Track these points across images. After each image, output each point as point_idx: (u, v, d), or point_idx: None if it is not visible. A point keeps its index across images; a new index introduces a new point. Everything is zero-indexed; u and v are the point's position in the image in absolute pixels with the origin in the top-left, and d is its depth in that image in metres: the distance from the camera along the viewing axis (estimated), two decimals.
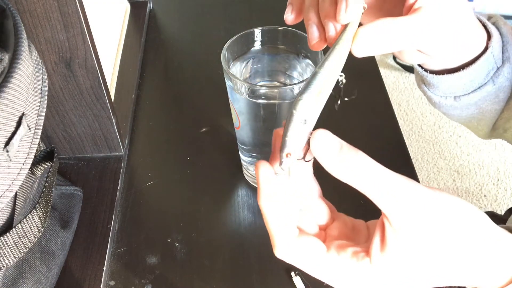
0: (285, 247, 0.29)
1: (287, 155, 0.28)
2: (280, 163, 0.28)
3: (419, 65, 0.44)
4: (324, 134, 0.26)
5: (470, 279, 0.29)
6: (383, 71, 1.86)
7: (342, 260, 0.29)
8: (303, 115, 0.28)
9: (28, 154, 0.35)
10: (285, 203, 0.28)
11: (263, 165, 0.28)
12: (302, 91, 0.28)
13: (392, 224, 0.26)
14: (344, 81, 0.31)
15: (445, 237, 0.27)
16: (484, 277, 0.29)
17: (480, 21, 0.41)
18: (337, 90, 0.31)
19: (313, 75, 0.29)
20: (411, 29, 0.31)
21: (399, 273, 0.28)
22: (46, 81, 0.39)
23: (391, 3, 0.38)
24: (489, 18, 0.44)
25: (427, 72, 0.43)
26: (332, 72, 0.29)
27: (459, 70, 0.41)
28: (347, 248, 0.29)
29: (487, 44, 0.41)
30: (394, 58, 1.88)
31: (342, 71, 0.31)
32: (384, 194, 0.26)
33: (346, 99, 0.34)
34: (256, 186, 0.57)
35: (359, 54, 0.31)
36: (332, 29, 0.32)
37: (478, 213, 0.28)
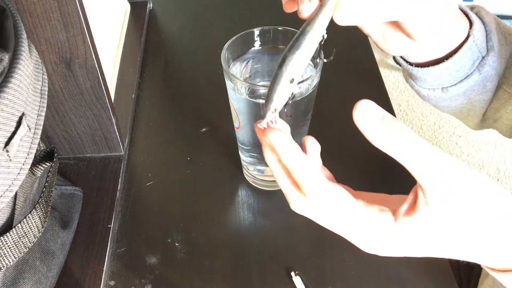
0: (317, 189, 0.29)
1: (274, 110, 0.29)
2: (263, 116, 0.30)
3: (404, 60, 0.44)
4: (368, 104, 0.27)
5: (486, 256, 0.31)
6: (383, 71, 1.86)
7: (368, 212, 0.30)
8: (291, 74, 0.29)
9: (28, 154, 0.35)
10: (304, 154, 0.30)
11: (270, 130, 0.29)
12: (292, 50, 0.29)
13: (425, 193, 0.27)
14: (325, 36, 0.31)
15: (472, 214, 0.28)
16: (501, 256, 0.31)
17: (462, 10, 0.42)
18: (316, 50, 0.31)
19: (302, 33, 0.30)
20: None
21: (421, 239, 0.29)
22: (46, 81, 0.39)
23: None
24: (472, 8, 0.44)
25: (412, 65, 0.43)
26: (318, 32, 0.30)
27: (443, 61, 0.42)
28: (374, 205, 0.30)
29: (469, 32, 0.41)
30: (394, 58, 1.88)
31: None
32: (422, 166, 0.26)
33: (325, 60, 0.35)
34: (256, 186, 0.57)
35: (340, 21, 0.31)
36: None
37: (508, 198, 0.29)
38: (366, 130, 0.27)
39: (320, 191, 0.30)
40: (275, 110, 0.30)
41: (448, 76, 0.43)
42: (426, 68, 0.42)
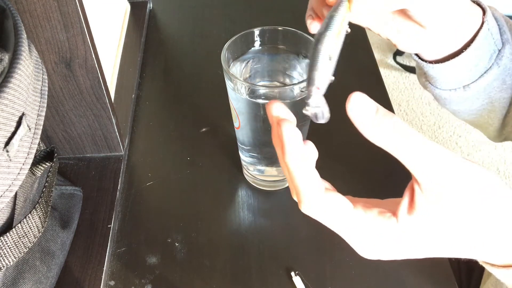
0: (313, 201, 0.29)
1: (317, 88, 0.28)
2: (308, 97, 0.28)
3: (421, 59, 0.44)
4: (361, 97, 0.26)
5: (486, 252, 0.30)
6: (383, 71, 1.86)
7: (368, 217, 0.29)
8: (328, 50, 0.28)
9: (28, 154, 0.35)
10: (309, 160, 0.29)
11: (286, 124, 0.28)
12: (324, 30, 0.29)
13: (422, 188, 0.27)
14: (348, 30, 0.31)
15: (471, 208, 0.28)
16: (501, 251, 0.30)
17: (473, 1, 0.42)
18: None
19: (331, 17, 0.30)
20: None
21: (424, 237, 0.29)
22: (46, 81, 0.39)
23: None
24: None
25: (432, 63, 0.43)
26: (345, 17, 0.30)
27: (461, 53, 0.41)
28: (373, 208, 0.30)
29: (483, 19, 0.41)
30: (394, 58, 1.88)
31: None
32: (417, 160, 0.26)
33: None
34: (256, 186, 0.57)
35: (357, 9, 0.31)
36: None
37: (507, 192, 0.28)
38: (359, 122, 0.26)
39: (316, 199, 0.29)
40: (318, 88, 0.28)
41: (468, 72, 0.43)
42: (444, 63, 0.42)
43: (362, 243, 0.30)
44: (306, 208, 0.29)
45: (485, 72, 0.43)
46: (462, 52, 0.41)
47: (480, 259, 0.33)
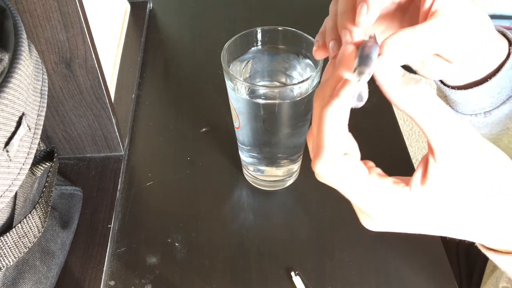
0: (330, 161, 0.29)
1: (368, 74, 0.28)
2: (357, 77, 0.28)
3: (443, 84, 0.44)
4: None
5: (491, 234, 0.31)
6: None
7: (382, 184, 0.29)
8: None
9: (28, 154, 0.35)
10: (345, 122, 0.29)
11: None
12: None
13: (436, 159, 0.27)
14: None
15: (482, 185, 0.28)
16: (507, 235, 0.31)
17: (499, 31, 0.42)
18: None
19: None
20: (431, 34, 0.31)
21: (434, 209, 0.29)
22: (46, 81, 0.39)
23: (412, 14, 0.38)
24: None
25: (455, 89, 0.43)
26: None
27: (486, 82, 0.41)
28: (388, 177, 0.30)
29: (509, 50, 0.41)
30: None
31: None
32: (436, 129, 0.27)
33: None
34: (256, 186, 0.57)
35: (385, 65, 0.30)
36: (347, 36, 0.31)
37: None
38: (385, 83, 0.27)
39: (334, 159, 0.29)
40: (369, 74, 0.28)
41: (491, 99, 0.43)
42: (468, 90, 0.42)
43: (371, 211, 0.30)
44: (322, 165, 0.29)
45: (507, 99, 0.43)
46: (487, 80, 0.41)
47: (482, 242, 0.33)
